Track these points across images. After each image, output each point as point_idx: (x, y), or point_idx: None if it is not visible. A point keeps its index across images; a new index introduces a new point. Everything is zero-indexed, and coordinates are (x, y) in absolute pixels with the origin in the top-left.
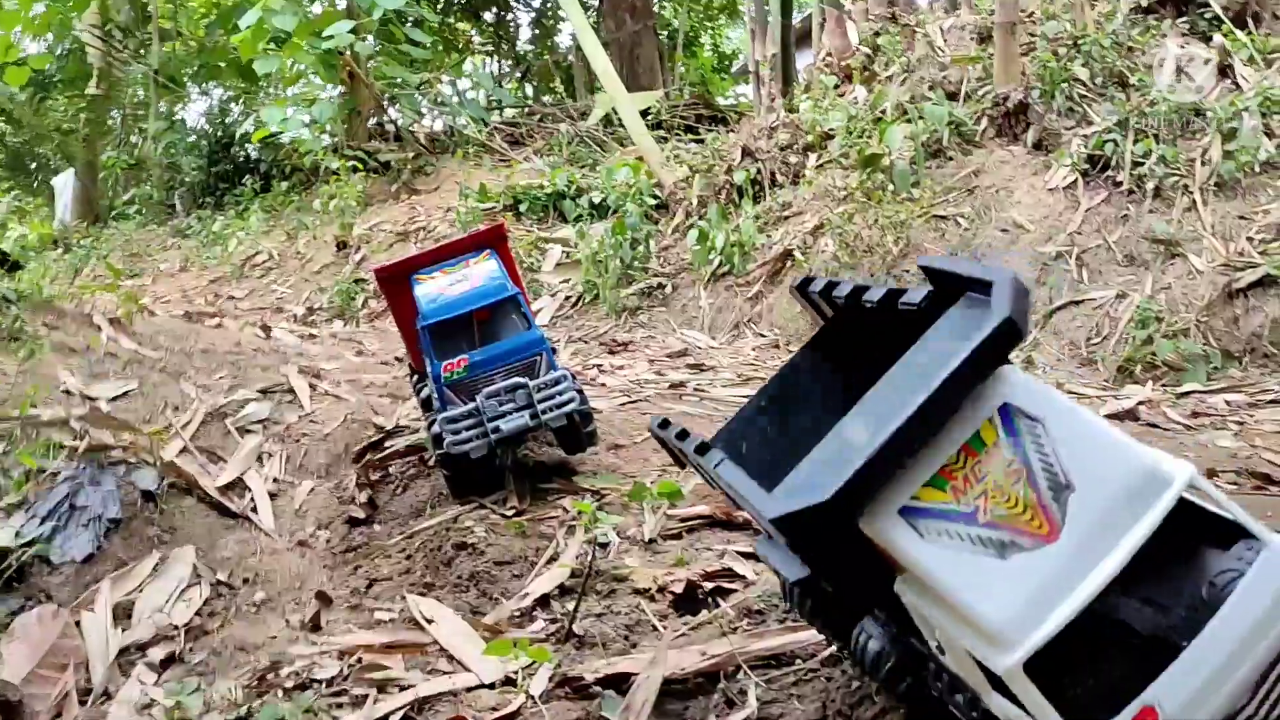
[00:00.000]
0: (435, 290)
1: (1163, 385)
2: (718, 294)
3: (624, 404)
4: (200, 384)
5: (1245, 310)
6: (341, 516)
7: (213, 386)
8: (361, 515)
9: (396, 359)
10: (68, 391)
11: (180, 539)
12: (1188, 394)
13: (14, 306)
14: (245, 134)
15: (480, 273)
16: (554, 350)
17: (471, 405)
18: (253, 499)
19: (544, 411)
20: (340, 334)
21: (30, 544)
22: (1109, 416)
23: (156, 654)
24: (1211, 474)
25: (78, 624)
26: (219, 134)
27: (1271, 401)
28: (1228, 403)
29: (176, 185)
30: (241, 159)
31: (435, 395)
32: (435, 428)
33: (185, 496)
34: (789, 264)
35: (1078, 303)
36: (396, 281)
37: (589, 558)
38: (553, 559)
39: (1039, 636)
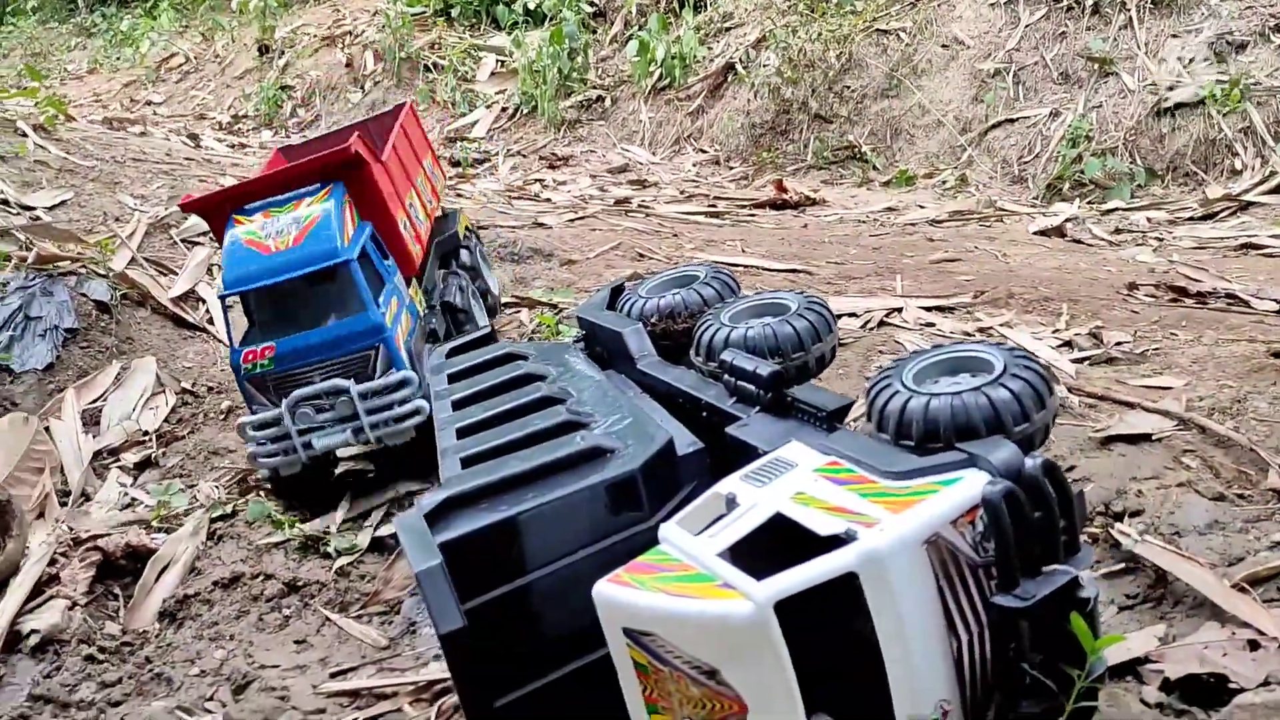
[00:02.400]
0: (246, 242)
1: (1089, 202)
2: (658, 108)
3: (572, 220)
4: (137, 194)
5: (1171, 129)
6: None
7: (150, 197)
8: None
9: None
10: (4, 201)
11: (139, 349)
12: (1112, 211)
13: None
14: None
15: (310, 222)
16: (414, 334)
17: (277, 411)
18: (208, 310)
19: (374, 426)
20: (270, 144)
21: None
22: (1037, 233)
23: (130, 458)
24: (1132, 287)
25: (47, 429)
26: None
27: (1189, 219)
28: (1149, 219)
29: None
30: None
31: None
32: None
33: (139, 308)
34: (730, 78)
35: (1012, 120)
36: (213, 216)
37: None
38: None
39: None
